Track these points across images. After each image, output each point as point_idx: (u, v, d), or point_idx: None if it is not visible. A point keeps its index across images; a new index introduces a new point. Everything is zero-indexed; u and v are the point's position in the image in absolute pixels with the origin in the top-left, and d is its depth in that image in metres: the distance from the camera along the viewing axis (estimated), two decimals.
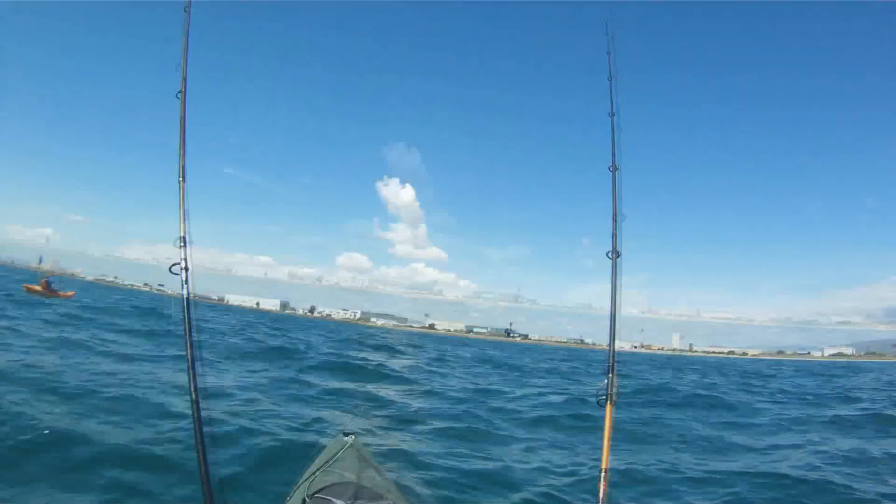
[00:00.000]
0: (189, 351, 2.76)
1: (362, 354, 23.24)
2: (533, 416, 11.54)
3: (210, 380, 11.32)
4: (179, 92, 3.48)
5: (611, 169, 4.08)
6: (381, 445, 7.88)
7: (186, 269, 2.96)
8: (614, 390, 3.23)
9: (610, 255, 3.76)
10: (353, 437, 3.30)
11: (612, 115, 4.36)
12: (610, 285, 3.76)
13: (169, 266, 2.95)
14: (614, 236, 3.80)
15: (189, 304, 2.90)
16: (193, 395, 2.64)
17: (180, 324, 2.87)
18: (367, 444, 3.61)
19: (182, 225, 3.04)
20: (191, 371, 2.70)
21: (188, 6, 4.04)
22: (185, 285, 2.95)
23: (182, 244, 3.00)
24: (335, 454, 3.07)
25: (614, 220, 3.90)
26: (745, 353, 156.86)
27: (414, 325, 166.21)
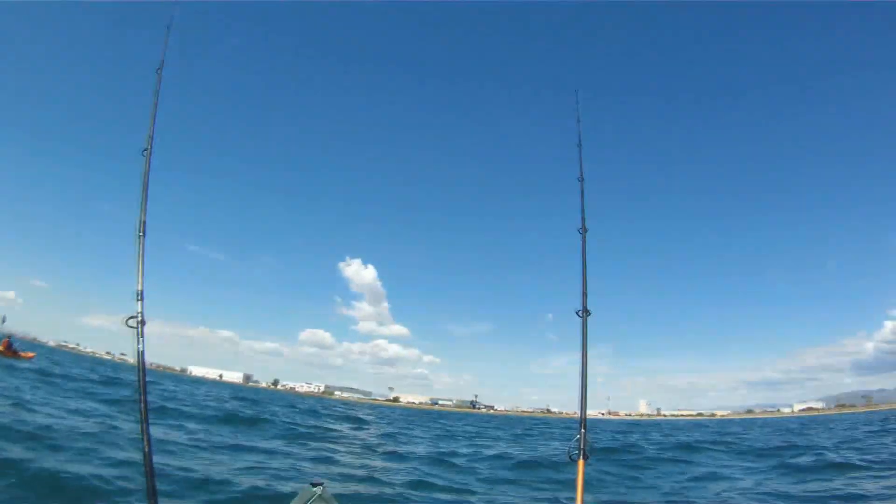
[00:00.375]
0: (142, 400, 2.77)
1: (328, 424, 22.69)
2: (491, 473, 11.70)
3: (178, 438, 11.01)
4: (145, 149, 3.60)
5: (580, 231, 4.30)
6: (349, 495, 7.85)
7: (143, 322, 2.98)
8: (586, 445, 3.29)
9: (579, 313, 3.90)
10: (321, 486, 3.28)
11: (580, 179, 4.65)
12: (580, 344, 3.89)
13: (125, 319, 2.95)
14: (584, 295, 3.96)
15: (143, 356, 2.92)
16: (146, 448, 2.62)
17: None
18: (335, 494, 3.58)
19: (139, 279, 3.08)
20: (143, 423, 2.70)
21: (160, 68, 4.23)
22: (140, 338, 2.96)
23: (139, 298, 3.03)
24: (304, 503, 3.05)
25: (584, 280, 4.08)
26: (713, 415, 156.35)
27: (378, 399, 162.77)
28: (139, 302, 3.02)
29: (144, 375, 2.89)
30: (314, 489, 3.27)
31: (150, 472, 2.59)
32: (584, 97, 5.44)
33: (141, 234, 3.23)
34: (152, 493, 2.56)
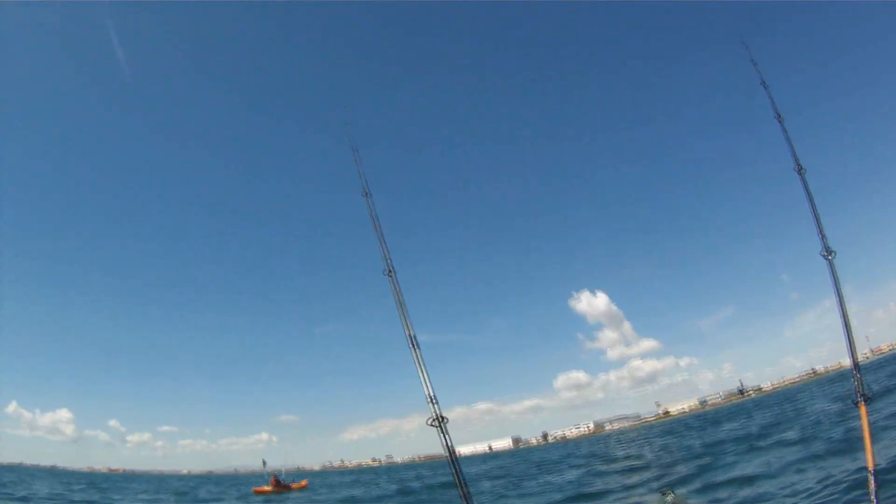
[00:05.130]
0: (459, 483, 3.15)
1: None
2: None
3: None
4: (386, 271, 4.01)
5: (796, 170, 4.01)
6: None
7: (443, 419, 3.43)
8: (864, 388, 3.05)
9: (823, 254, 3.59)
10: (671, 493, 3.40)
11: (777, 118, 4.33)
12: (832, 288, 3.59)
13: (428, 419, 3.39)
14: (821, 235, 3.65)
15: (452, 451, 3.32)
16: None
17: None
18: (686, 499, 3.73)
19: (426, 384, 3.56)
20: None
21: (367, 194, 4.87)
22: (445, 435, 3.39)
23: (431, 401, 3.49)
24: None
25: (816, 220, 3.76)
26: None
27: (649, 418, 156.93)
28: (432, 405, 3.48)
29: (460, 472, 3.27)
30: (666, 498, 3.43)
31: None
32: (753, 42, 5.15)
33: (414, 346, 3.62)
34: None
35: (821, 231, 3.72)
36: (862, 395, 3.10)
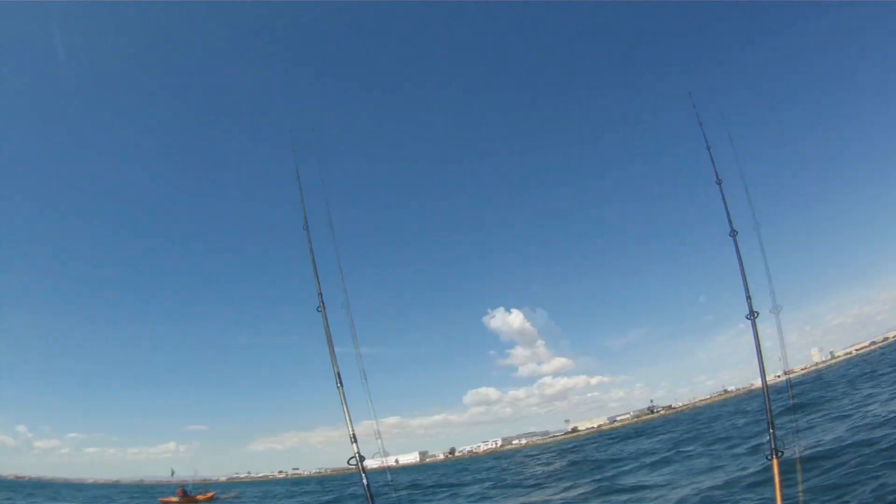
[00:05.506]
0: None
1: None
2: None
3: None
4: (319, 306, 3.96)
5: (731, 235, 4.35)
6: None
7: (363, 458, 3.55)
8: (776, 444, 3.36)
9: (748, 317, 3.96)
10: None
11: (718, 182, 4.65)
12: (754, 348, 3.93)
13: (348, 459, 3.50)
14: (748, 298, 4.01)
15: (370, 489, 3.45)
16: None
17: None
18: None
19: (349, 425, 3.55)
20: None
21: (305, 226, 4.94)
22: (363, 474, 3.46)
23: (353, 440, 3.53)
24: None
25: (745, 284, 4.12)
26: (885, 339, 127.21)
27: (557, 435, 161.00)
28: (354, 444, 3.56)
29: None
30: None
31: None
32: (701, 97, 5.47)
33: (339, 384, 3.62)
34: None
35: (748, 295, 4.05)
36: (775, 450, 3.38)
